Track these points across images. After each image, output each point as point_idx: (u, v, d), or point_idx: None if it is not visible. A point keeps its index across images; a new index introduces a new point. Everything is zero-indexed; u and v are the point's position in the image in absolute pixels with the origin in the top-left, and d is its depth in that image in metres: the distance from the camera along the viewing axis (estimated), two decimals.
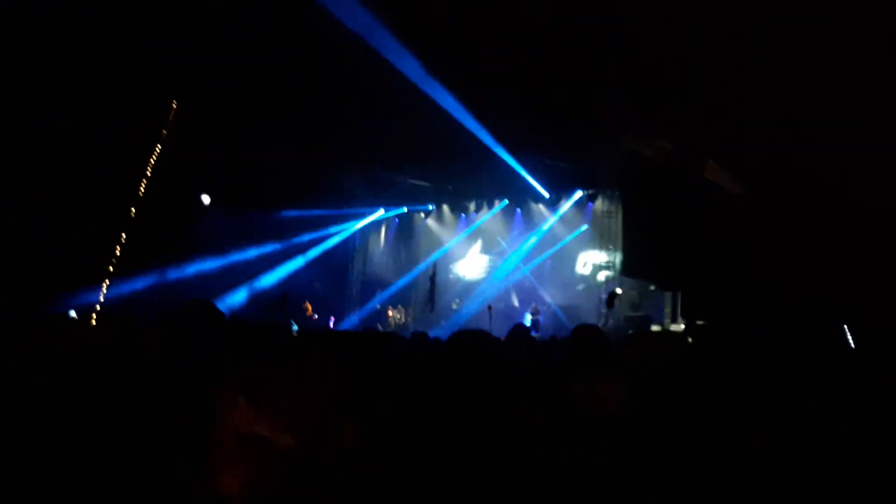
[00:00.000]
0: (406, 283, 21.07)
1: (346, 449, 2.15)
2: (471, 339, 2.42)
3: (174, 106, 13.50)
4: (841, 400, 2.59)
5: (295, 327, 14.31)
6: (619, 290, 12.77)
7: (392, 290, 20.97)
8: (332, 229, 20.85)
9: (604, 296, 16.88)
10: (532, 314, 17.11)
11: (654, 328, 14.16)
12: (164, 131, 13.66)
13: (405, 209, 21.71)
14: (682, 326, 12.90)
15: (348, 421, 2.24)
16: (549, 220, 18.91)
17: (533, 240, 19.07)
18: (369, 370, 3.11)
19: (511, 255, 19.48)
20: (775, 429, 2.26)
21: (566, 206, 18.63)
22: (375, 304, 20.81)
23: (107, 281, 13.26)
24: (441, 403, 2.32)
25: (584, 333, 3.32)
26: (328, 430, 2.21)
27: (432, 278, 16.23)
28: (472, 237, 20.77)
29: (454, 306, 18.95)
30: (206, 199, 16.17)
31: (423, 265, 21.17)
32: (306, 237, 19.79)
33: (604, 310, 16.48)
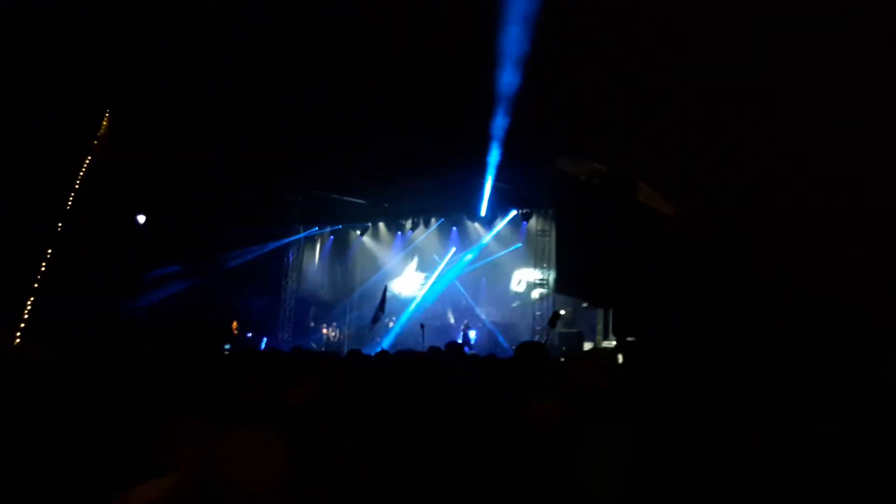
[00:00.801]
0: (341, 300, 20.89)
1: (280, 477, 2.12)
2: (406, 360, 2.45)
3: (106, 116, 13.06)
4: (764, 409, 2.71)
5: (227, 346, 14.00)
6: (562, 312, 12.99)
7: (327, 307, 20.74)
8: (269, 246, 20.52)
9: (538, 313, 17.13)
10: (463, 329, 17.23)
11: (587, 345, 14.45)
12: (95, 142, 13.19)
13: (340, 226, 21.55)
14: (614, 343, 13.20)
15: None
16: (485, 238, 19.11)
17: (469, 257, 19.20)
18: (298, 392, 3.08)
19: (447, 272, 19.56)
20: (698, 434, 2.35)
21: (501, 224, 18.86)
22: (310, 322, 20.53)
23: (31, 298, 12.68)
24: (379, 423, 2.32)
25: (528, 351, 3.40)
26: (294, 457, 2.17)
27: (382, 300, 16.19)
28: (407, 255, 20.77)
29: (390, 324, 18.86)
30: (141, 218, 15.74)
31: (359, 282, 21.05)
32: (239, 255, 19.37)
33: (539, 328, 16.72)
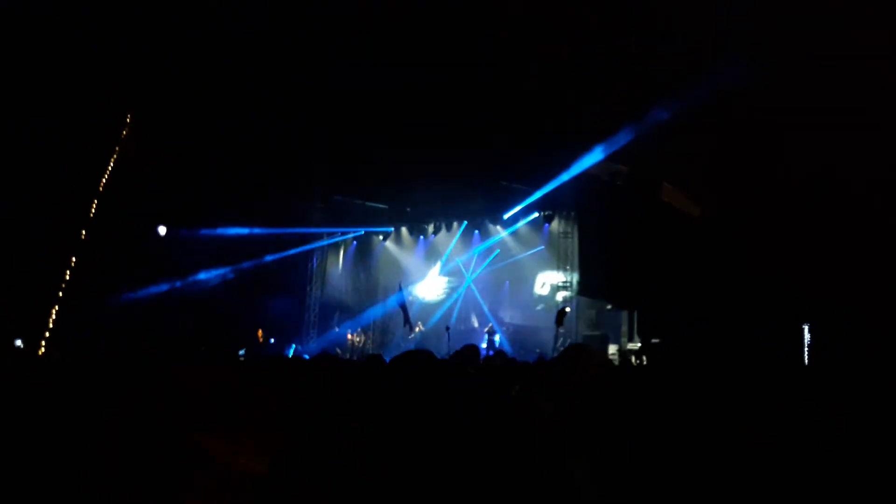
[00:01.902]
0: (365, 305, 20.95)
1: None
2: (411, 359, 2.45)
3: (128, 120, 13.18)
4: (788, 415, 2.64)
5: (242, 352, 14.07)
6: (567, 309, 12.91)
7: (352, 313, 20.81)
8: (291, 252, 20.64)
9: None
10: (488, 334, 17.19)
11: (612, 347, 14.33)
12: (118, 147, 13.33)
13: (363, 231, 21.62)
14: (639, 345, 13.07)
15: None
16: (506, 241, 19.06)
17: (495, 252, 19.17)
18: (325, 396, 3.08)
19: (469, 276, 19.54)
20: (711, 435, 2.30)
21: (523, 226, 18.81)
22: (334, 327, 20.60)
23: (55, 307, 12.86)
24: (376, 422, 2.31)
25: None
26: (296, 457, 2.17)
27: (403, 303, 16.19)
28: (430, 259, 20.77)
29: (417, 329, 18.84)
30: (162, 230, 15.94)
31: (382, 287, 21.10)
32: (267, 258, 19.50)
33: (563, 330, 16.61)
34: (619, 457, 2.15)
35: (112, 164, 13.33)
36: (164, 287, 16.21)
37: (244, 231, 18.23)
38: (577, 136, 12.94)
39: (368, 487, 1.97)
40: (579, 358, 2.73)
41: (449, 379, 2.46)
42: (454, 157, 14.69)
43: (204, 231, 17.07)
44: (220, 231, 17.58)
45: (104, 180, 13.34)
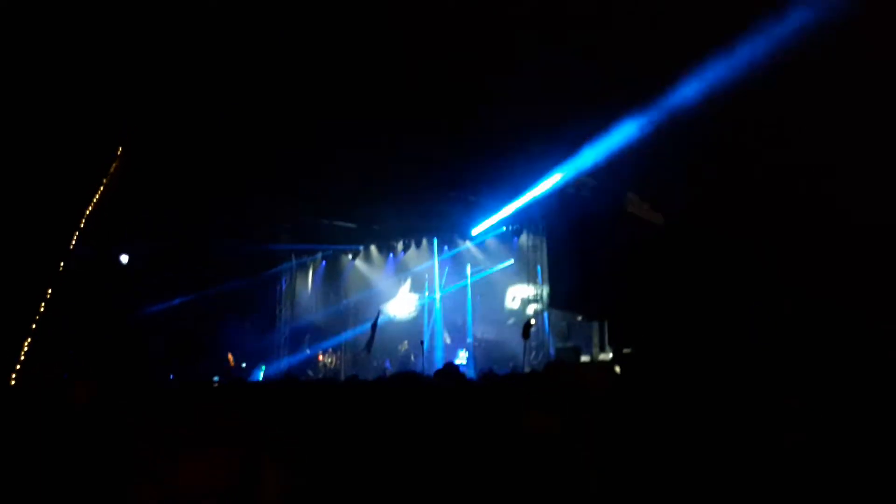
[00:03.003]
0: (336, 326, 20.81)
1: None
2: (404, 381, 2.45)
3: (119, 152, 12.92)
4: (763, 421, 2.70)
5: (216, 379, 13.91)
6: (533, 321, 13.02)
7: (322, 333, 20.65)
8: (261, 275, 20.47)
9: (534, 329, 17.09)
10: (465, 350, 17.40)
11: (584, 358, 14.41)
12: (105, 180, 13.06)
13: (331, 251, 21.52)
14: (610, 355, 13.17)
15: (269, 472, 2.20)
16: (475, 255, 19.14)
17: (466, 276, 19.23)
18: (290, 420, 3.06)
19: (440, 292, 19.57)
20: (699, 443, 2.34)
21: (491, 240, 18.92)
22: (305, 349, 20.41)
23: (28, 339, 12.54)
24: (378, 442, 2.31)
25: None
26: (248, 483, 2.16)
27: (374, 324, 16.19)
28: (400, 276, 20.74)
29: (402, 349, 18.79)
30: (124, 258, 15.75)
31: (353, 307, 21.01)
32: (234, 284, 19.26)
33: (535, 343, 16.70)
34: (629, 465, 2.18)
35: (97, 196, 13.08)
36: (136, 312, 15.97)
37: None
38: (543, 151, 13.07)
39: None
40: (589, 372, 2.74)
41: (435, 396, 2.47)
42: (421, 174, 14.73)
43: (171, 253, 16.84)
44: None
45: (87, 211, 13.10)
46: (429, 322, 19.38)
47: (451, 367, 6.33)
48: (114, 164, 12.87)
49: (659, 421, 2.59)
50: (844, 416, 2.53)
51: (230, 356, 17.56)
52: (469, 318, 18.71)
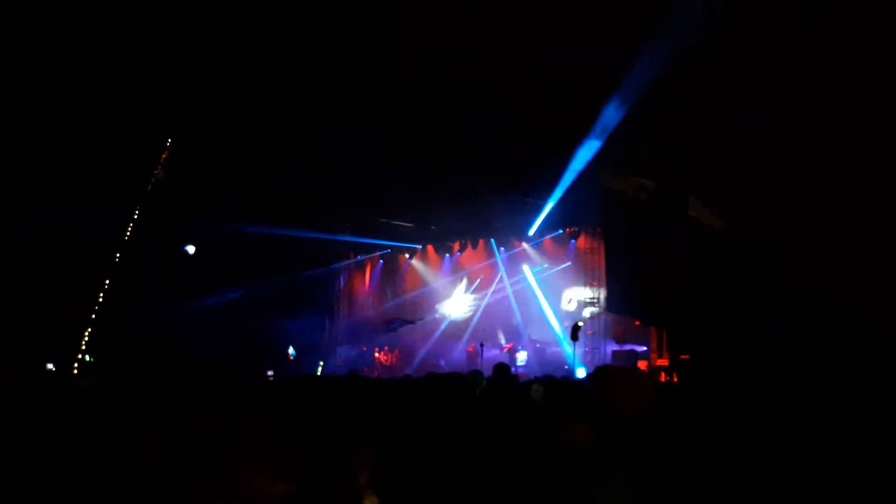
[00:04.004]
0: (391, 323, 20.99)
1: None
2: (444, 380, 2.48)
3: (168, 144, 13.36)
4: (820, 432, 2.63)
5: (270, 373, 14.22)
6: (580, 323, 12.89)
7: (378, 331, 20.87)
8: (320, 271, 20.81)
9: (590, 332, 16.92)
10: (507, 351, 17.37)
11: (641, 363, 14.19)
12: (157, 171, 13.52)
13: (390, 250, 21.74)
14: (668, 361, 12.94)
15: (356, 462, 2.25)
16: (532, 257, 19.06)
17: (522, 277, 19.15)
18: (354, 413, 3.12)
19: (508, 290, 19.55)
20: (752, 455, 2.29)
21: (549, 242, 18.80)
22: (362, 346, 20.67)
23: (88, 329, 13.06)
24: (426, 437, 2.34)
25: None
26: (326, 476, 2.21)
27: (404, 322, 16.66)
28: (456, 276, 20.80)
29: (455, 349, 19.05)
30: (190, 249, 16.11)
31: (410, 306, 21.19)
32: (291, 280, 19.61)
33: (591, 347, 16.54)
34: (663, 482, 2.15)
35: (150, 186, 13.52)
36: (195, 304, 16.30)
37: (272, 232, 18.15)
38: (601, 151, 12.94)
39: None
40: (625, 382, 2.68)
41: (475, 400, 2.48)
42: (477, 175, 14.76)
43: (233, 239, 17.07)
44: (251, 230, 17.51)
45: (140, 202, 13.55)
46: (485, 322, 19.38)
47: (503, 368, 6.34)
48: (163, 155, 13.27)
49: (709, 431, 2.55)
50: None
51: (289, 351, 17.93)
52: (518, 318, 18.65)
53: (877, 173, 7.85)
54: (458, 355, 18.65)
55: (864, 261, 7.96)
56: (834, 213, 8.33)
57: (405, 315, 19.51)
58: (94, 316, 13.13)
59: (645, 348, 15.02)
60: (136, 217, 13.53)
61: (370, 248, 21.81)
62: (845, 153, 8.11)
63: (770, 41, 8.27)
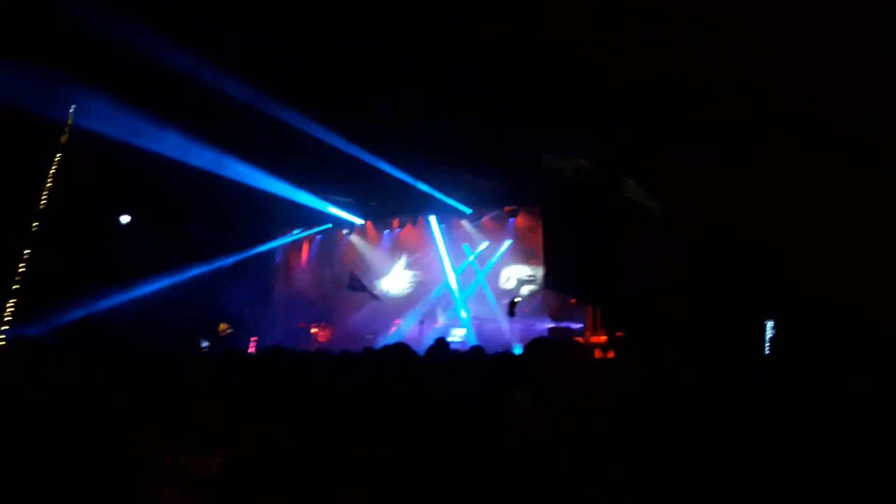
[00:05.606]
0: (330, 300, 20.83)
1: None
2: (392, 353, 2.46)
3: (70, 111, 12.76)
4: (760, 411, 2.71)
5: (205, 343, 13.90)
6: (518, 299, 13.11)
7: (315, 307, 20.66)
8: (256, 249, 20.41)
9: (528, 310, 17.17)
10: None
11: (577, 339, 14.50)
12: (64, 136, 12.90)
13: (331, 224, 21.46)
14: (604, 338, 13.25)
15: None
16: (471, 236, 19.15)
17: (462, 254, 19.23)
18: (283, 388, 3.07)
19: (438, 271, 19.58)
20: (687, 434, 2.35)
21: (488, 220, 18.92)
22: (298, 322, 20.42)
23: (12, 300, 12.45)
24: (365, 411, 2.32)
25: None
26: (256, 448, 2.17)
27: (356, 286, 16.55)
28: (395, 253, 20.73)
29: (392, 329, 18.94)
30: (125, 218, 15.53)
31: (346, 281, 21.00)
32: (225, 257, 19.16)
33: (524, 323, 16.79)
34: (616, 458, 2.18)
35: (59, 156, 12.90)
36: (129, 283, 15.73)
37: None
38: (542, 133, 13.05)
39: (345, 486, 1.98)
40: (563, 357, 2.70)
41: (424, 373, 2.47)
42: (419, 152, 14.70)
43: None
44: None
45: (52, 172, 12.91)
46: (424, 299, 19.40)
47: (441, 344, 6.36)
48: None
49: (645, 407, 2.60)
50: (844, 416, 2.54)
51: (222, 325, 17.57)
52: (461, 296, 18.76)
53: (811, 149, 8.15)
54: (394, 332, 18.66)
55: (797, 241, 8.27)
56: (768, 194, 8.61)
57: (371, 288, 19.34)
58: (15, 287, 12.50)
59: (581, 325, 15.34)
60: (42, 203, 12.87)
61: (308, 224, 21.50)
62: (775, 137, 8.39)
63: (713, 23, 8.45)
